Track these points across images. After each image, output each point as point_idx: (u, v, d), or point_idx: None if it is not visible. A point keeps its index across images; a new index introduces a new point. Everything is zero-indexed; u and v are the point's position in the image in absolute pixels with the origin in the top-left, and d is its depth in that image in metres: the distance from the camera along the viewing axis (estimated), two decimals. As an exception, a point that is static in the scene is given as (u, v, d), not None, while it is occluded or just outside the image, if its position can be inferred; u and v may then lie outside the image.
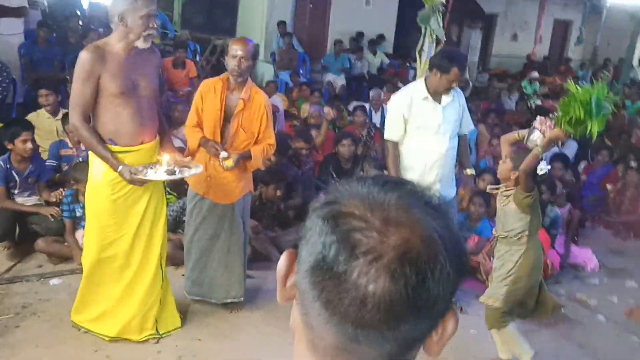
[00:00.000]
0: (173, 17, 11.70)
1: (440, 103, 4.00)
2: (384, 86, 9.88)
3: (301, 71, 10.93)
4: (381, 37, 12.50)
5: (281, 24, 11.27)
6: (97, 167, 3.23)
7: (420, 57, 5.52)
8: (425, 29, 5.38)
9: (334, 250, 0.66)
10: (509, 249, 3.47)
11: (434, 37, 5.34)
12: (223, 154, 3.60)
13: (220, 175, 3.69)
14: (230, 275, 3.89)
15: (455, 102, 4.08)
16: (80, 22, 9.25)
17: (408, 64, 11.96)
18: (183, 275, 4.21)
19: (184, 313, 3.85)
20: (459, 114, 4.12)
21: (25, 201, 4.65)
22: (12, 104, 6.50)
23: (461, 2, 13.61)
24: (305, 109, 8.58)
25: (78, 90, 3.06)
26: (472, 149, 7.38)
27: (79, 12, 10.11)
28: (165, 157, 3.23)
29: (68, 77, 6.40)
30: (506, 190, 3.45)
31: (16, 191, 4.61)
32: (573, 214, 5.99)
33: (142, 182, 3.23)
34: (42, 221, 4.53)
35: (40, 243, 4.41)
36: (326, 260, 0.66)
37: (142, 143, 3.26)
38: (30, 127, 4.61)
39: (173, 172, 3.23)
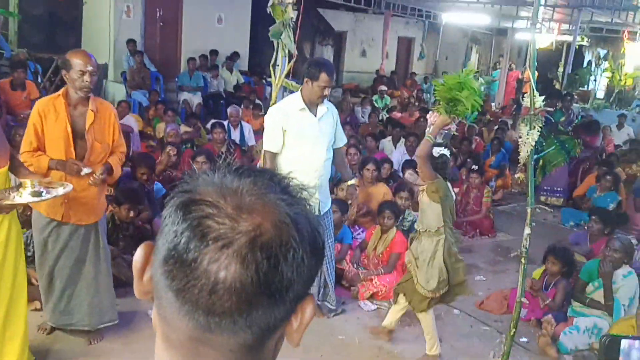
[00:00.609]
0: (8, 35, 10.84)
1: (316, 115, 4.09)
2: (241, 103, 9.90)
3: (156, 89, 10.62)
4: (236, 55, 12.51)
5: (130, 42, 10.88)
6: None
7: (274, 71, 5.59)
8: (278, 43, 5.47)
9: (185, 238, 0.65)
10: (431, 241, 3.73)
11: (287, 51, 5.44)
12: (86, 170, 3.44)
13: (79, 194, 3.48)
14: (101, 298, 3.73)
15: (329, 115, 4.19)
16: None
17: (264, 80, 12.09)
18: (34, 310, 3.95)
19: (41, 352, 3.57)
20: (333, 127, 4.23)
21: None
22: None
23: (311, 20, 14.10)
24: (161, 128, 8.34)
25: None
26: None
27: None
28: (30, 179, 2.96)
29: None
30: (421, 187, 3.78)
31: None
32: (426, 217, 6.36)
33: (10, 208, 2.93)
34: None
35: None
36: (177, 248, 0.65)
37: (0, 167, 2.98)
38: None
39: (40, 194, 2.96)
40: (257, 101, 10.29)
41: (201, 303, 0.65)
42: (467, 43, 17.03)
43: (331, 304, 4.43)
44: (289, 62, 5.52)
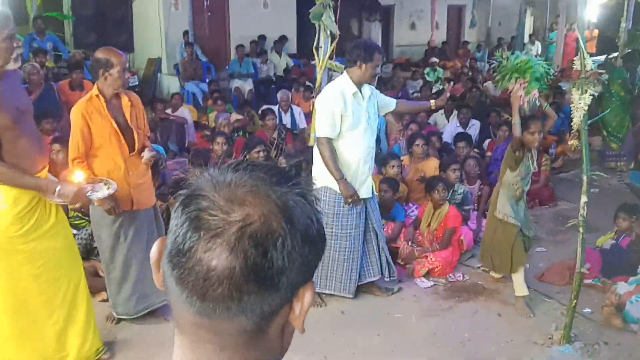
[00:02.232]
0: (65, 38, 11.25)
1: (363, 98, 4.09)
2: (291, 87, 9.93)
3: (207, 80, 10.81)
4: (284, 38, 12.53)
5: (186, 33, 11.11)
6: None
7: (317, 53, 5.59)
8: (319, 25, 5.46)
9: (183, 230, 0.71)
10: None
11: (328, 32, 5.42)
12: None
13: (140, 181, 3.71)
14: None
15: (373, 96, 4.19)
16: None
17: (313, 62, 12.06)
18: (102, 301, 4.14)
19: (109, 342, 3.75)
20: (376, 108, 4.23)
21: None
22: None
23: (357, -4, 13.91)
24: (212, 118, 8.50)
25: None
26: (382, 138, 7.56)
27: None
28: (79, 175, 3.09)
29: None
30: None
31: None
32: (483, 190, 6.23)
33: (88, 202, 3.28)
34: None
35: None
36: (177, 240, 0.71)
37: (43, 168, 3.12)
38: None
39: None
40: (308, 83, 10.29)
41: (197, 290, 0.70)
42: (520, 5, 16.37)
43: (393, 276, 4.47)
44: (331, 43, 5.51)
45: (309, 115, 8.22)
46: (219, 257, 0.68)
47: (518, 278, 4.27)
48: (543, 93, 4.23)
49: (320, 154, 4.05)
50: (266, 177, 0.75)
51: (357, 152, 4.05)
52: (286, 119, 8.23)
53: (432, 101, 4.57)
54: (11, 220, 2.98)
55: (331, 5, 5.40)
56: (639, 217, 4.85)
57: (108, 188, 3.26)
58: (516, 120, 4.06)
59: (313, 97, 7.90)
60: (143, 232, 3.79)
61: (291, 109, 8.38)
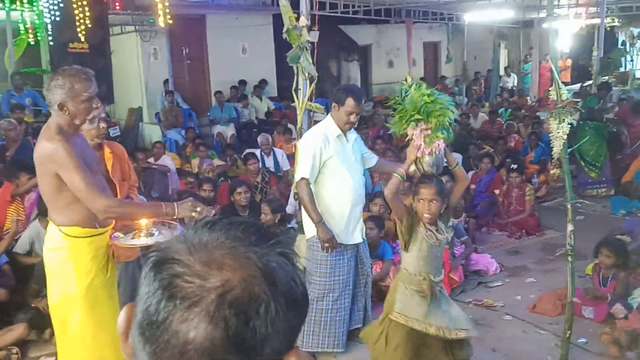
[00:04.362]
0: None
1: (348, 141, 3.99)
2: (273, 130, 9.97)
3: (190, 126, 10.83)
4: (263, 82, 12.64)
5: (166, 82, 11.18)
6: (78, 255, 2.93)
7: (297, 95, 5.62)
8: (297, 68, 5.50)
9: (156, 299, 0.65)
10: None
11: (307, 74, 5.46)
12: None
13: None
14: None
15: (358, 140, 4.12)
16: None
17: (294, 105, 12.15)
18: None
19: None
20: (362, 152, 4.14)
21: None
22: None
23: (334, 38, 14.15)
24: (195, 164, 8.48)
25: (82, 176, 2.79)
26: (366, 176, 7.57)
27: None
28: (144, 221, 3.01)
29: None
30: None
31: None
32: (469, 223, 6.23)
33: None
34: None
35: None
36: (149, 310, 0.65)
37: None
38: None
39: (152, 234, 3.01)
40: (290, 126, 10.34)
41: None
42: (494, 40, 16.76)
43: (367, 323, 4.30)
44: (310, 85, 5.54)
45: (291, 157, 8.22)
46: (197, 328, 0.62)
47: None
48: (449, 146, 3.31)
49: (299, 196, 3.92)
50: (244, 236, 0.70)
51: (349, 196, 3.92)
52: (269, 162, 8.22)
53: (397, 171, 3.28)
54: (95, 271, 2.99)
55: (308, 47, 5.45)
56: (621, 254, 4.56)
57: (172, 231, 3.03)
58: (403, 171, 3.18)
59: (295, 139, 7.94)
60: (127, 286, 3.68)
61: (273, 151, 8.38)
